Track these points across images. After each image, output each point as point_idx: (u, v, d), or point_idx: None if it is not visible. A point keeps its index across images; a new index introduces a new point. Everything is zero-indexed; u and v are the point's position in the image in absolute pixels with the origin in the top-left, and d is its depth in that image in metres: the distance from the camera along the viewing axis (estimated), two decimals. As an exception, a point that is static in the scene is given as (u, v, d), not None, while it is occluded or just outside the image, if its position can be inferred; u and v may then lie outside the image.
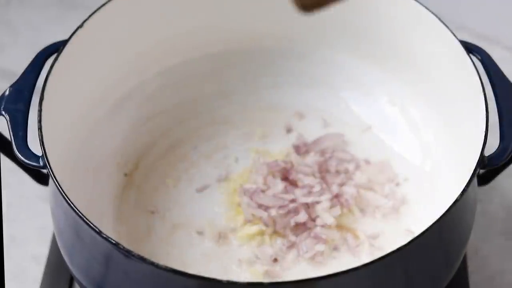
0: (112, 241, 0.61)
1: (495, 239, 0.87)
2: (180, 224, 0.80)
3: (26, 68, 0.72)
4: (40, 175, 0.74)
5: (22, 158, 0.66)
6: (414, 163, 0.83)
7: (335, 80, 0.88)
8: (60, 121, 0.74)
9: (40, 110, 0.69)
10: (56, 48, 0.74)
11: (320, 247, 0.77)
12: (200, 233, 0.79)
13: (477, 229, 0.80)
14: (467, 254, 0.82)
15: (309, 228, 0.78)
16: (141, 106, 0.86)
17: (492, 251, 0.85)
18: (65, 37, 0.75)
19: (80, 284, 0.70)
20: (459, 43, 0.74)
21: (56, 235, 0.72)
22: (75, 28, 0.75)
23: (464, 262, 0.79)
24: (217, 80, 0.89)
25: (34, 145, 0.67)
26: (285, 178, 0.81)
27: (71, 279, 0.80)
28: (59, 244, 0.71)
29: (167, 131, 0.87)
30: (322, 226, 0.78)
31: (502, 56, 1.03)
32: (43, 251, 0.83)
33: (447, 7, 1.07)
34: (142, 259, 0.60)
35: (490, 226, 0.87)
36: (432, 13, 0.77)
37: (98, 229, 0.62)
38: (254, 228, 0.78)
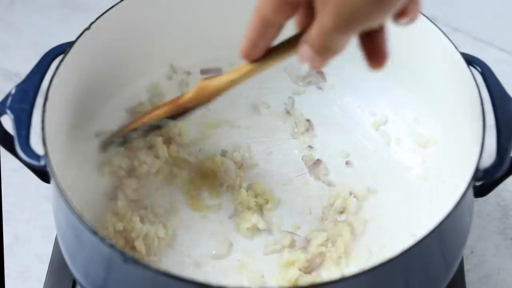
0: (108, 242, 0.61)
1: (491, 238, 0.87)
2: (182, 225, 0.81)
3: (32, 69, 0.73)
4: (44, 173, 0.74)
5: (24, 157, 0.67)
6: (414, 171, 0.83)
7: (339, 87, 0.89)
8: (64, 121, 0.74)
9: (44, 111, 0.69)
10: (63, 49, 0.74)
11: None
12: (201, 234, 0.80)
13: (473, 229, 0.80)
14: (463, 253, 0.82)
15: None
16: (146, 107, 0.86)
17: (488, 250, 0.86)
18: (68, 38, 0.76)
19: (81, 286, 0.71)
20: (459, 55, 0.75)
21: (58, 236, 0.73)
22: (77, 29, 0.76)
23: (461, 261, 0.80)
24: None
25: (39, 144, 0.67)
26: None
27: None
28: (61, 246, 0.72)
29: (172, 132, 0.87)
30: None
31: (497, 57, 1.04)
32: (47, 250, 0.83)
33: (443, 10, 1.08)
34: (136, 261, 0.60)
35: (486, 226, 0.88)
36: (434, 24, 0.77)
37: (95, 230, 0.62)
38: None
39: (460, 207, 0.65)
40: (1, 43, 1.07)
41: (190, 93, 0.74)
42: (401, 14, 0.58)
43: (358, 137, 0.87)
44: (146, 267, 0.60)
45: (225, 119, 0.89)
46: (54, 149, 0.68)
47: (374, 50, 0.60)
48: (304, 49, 0.59)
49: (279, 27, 0.61)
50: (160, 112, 0.77)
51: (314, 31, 0.57)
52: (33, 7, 1.12)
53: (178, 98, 0.76)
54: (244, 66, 0.67)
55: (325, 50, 0.58)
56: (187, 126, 0.88)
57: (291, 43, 0.63)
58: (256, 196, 0.82)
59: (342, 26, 0.55)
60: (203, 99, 0.73)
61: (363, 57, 0.61)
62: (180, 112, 0.76)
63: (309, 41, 0.58)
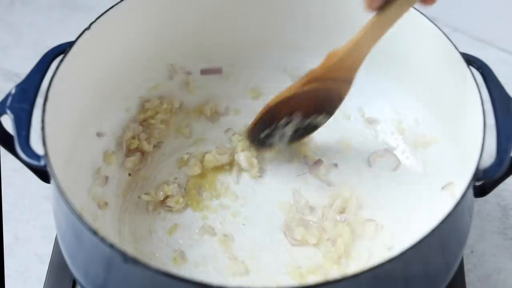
0: (108, 242, 0.61)
1: (491, 238, 0.87)
2: (182, 225, 0.81)
3: (33, 69, 0.73)
4: (44, 173, 0.74)
5: (24, 157, 0.67)
6: (414, 171, 0.83)
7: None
8: (64, 121, 0.74)
9: (44, 110, 0.69)
10: (63, 49, 0.74)
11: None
12: (201, 234, 0.80)
13: (473, 229, 0.80)
14: (463, 253, 0.82)
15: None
16: (146, 108, 0.86)
17: (488, 250, 0.86)
18: (67, 38, 0.76)
19: (81, 286, 0.71)
20: (459, 55, 0.75)
21: (58, 236, 0.73)
22: (77, 29, 0.76)
23: (461, 261, 0.79)
24: (222, 84, 0.90)
25: (39, 144, 0.67)
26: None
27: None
28: (61, 246, 0.72)
29: (172, 133, 0.87)
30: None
31: (497, 57, 1.04)
32: (47, 250, 0.83)
33: (443, 10, 1.08)
34: (136, 261, 0.60)
35: (486, 226, 0.88)
36: (434, 24, 0.77)
37: (95, 230, 0.62)
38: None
39: (460, 207, 0.65)
40: (1, 43, 1.07)
41: (320, 65, 0.77)
42: None
43: (358, 137, 0.87)
44: (146, 267, 0.60)
45: (225, 120, 0.89)
46: (54, 149, 0.68)
47: None
48: None
49: None
50: (296, 86, 0.79)
51: None
52: (33, 7, 1.12)
53: (309, 73, 0.78)
54: (367, 24, 0.73)
55: None
56: (187, 127, 0.88)
57: None
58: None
59: None
60: (335, 68, 0.76)
61: None
62: (312, 87, 0.78)
63: None
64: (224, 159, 0.84)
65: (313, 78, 0.78)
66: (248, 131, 0.84)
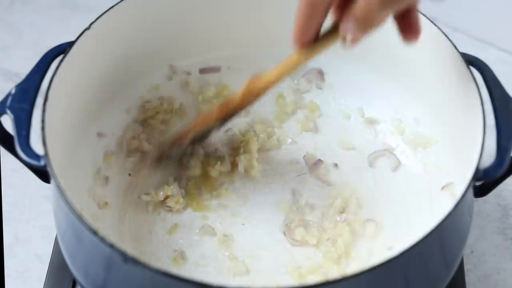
0: (108, 242, 0.61)
1: (491, 238, 0.87)
2: (182, 225, 0.81)
3: (32, 69, 0.73)
4: (44, 173, 0.74)
5: (24, 157, 0.67)
6: (414, 171, 0.83)
7: (339, 87, 0.89)
8: (64, 121, 0.74)
9: (44, 110, 0.69)
10: (63, 49, 0.74)
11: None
12: (201, 234, 0.80)
13: (473, 229, 0.80)
14: (463, 253, 0.82)
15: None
16: (146, 108, 0.86)
17: (488, 250, 0.86)
18: (68, 38, 0.76)
19: (81, 286, 0.71)
20: (459, 55, 0.75)
21: (58, 236, 0.73)
22: (77, 29, 0.76)
23: (461, 261, 0.79)
24: (221, 85, 0.90)
25: (39, 144, 0.67)
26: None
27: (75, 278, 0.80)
28: (61, 246, 0.72)
29: (172, 133, 0.87)
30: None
31: (497, 57, 1.05)
32: (47, 251, 0.83)
33: (443, 10, 1.08)
34: (136, 261, 0.60)
35: (486, 226, 0.88)
36: (434, 24, 0.77)
37: (95, 230, 0.62)
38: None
39: (460, 207, 0.65)
40: (1, 43, 1.08)
41: (239, 95, 0.75)
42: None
43: (358, 137, 0.87)
44: (146, 267, 0.60)
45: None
46: (54, 149, 0.68)
47: (409, 25, 0.67)
48: (348, 21, 0.63)
49: (326, 9, 0.65)
50: (211, 119, 0.79)
51: (360, 5, 0.61)
52: (33, 7, 1.12)
53: (226, 102, 0.77)
54: (290, 56, 0.71)
55: (368, 23, 0.63)
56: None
57: (333, 30, 0.67)
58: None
59: (388, 2, 0.61)
60: (253, 98, 0.75)
61: (398, 32, 0.67)
62: (228, 116, 0.78)
63: (354, 13, 0.62)
64: (226, 167, 0.84)
65: (230, 109, 0.77)
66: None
